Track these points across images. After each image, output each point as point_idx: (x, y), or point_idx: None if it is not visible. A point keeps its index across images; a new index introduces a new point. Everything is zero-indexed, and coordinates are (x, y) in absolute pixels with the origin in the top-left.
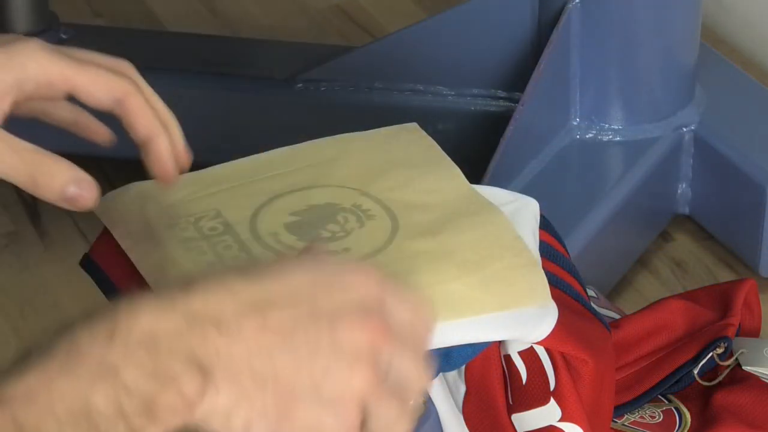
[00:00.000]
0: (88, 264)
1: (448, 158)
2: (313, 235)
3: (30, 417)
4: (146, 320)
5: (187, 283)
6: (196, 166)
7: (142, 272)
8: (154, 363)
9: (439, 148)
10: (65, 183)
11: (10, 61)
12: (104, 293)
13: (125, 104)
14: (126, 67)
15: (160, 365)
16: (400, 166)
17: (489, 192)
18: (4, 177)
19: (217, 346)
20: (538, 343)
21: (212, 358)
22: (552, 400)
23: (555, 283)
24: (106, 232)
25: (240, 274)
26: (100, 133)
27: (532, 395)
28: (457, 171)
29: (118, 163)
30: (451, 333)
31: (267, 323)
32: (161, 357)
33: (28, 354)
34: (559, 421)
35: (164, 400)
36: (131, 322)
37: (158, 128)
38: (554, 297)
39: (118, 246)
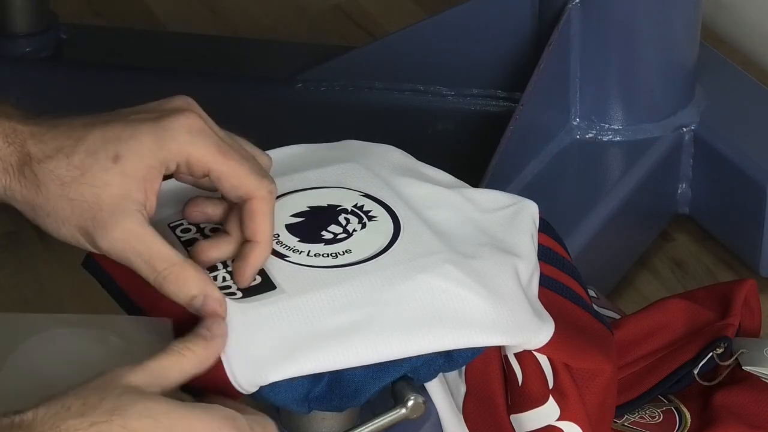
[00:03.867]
0: (90, 265)
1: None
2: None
3: None
4: None
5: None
6: None
7: None
8: None
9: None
10: (192, 297)
11: (159, 140)
12: (109, 293)
13: (248, 205)
14: (266, 164)
15: None
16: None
17: (488, 195)
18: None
19: None
20: (535, 351)
21: None
22: (551, 398)
23: (551, 287)
24: None
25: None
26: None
27: (528, 396)
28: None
29: None
30: (452, 337)
31: None
32: None
33: None
34: (558, 420)
35: None
36: None
37: (265, 240)
38: (551, 300)
39: None
